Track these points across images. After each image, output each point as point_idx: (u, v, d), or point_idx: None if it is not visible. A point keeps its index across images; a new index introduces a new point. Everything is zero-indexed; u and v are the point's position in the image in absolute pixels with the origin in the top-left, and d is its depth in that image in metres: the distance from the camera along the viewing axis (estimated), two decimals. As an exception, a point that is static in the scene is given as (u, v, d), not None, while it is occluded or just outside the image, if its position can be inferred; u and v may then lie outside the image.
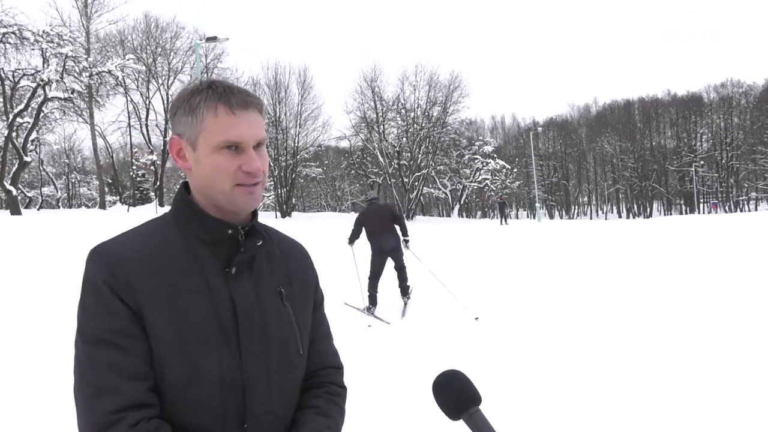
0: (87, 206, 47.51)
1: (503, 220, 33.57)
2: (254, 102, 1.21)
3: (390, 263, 8.21)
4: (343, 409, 1.33)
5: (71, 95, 25.55)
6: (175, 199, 1.26)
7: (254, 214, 1.26)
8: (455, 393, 1.04)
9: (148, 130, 38.40)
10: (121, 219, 18.38)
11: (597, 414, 3.77)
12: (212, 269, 1.17)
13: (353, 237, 8.31)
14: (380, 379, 4.65)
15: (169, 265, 1.15)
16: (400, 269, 8.28)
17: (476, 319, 7.02)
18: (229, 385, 1.14)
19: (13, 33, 24.18)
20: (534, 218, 47.59)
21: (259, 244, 1.24)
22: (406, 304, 8.19)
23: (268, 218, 33.40)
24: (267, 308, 1.21)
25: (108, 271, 1.12)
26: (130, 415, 1.06)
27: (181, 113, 1.20)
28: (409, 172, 42.16)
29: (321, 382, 1.32)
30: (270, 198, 47.97)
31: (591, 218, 77.05)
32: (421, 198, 49.09)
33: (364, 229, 8.20)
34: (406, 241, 8.21)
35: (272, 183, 42.68)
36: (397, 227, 8.18)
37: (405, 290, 8.28)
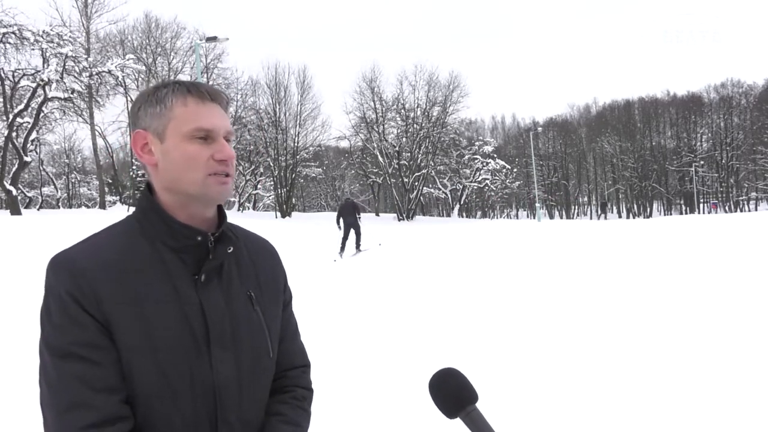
0: (87, 206, 47.49)
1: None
2: (222, 97, 1.19)
3: (353, 234, 15.45)
4: (308, 413, 1.32)
5: (71, 95, 25.53)
6: (139, 202, 1.21)
7: (222, 216, 1.22)
8: (452, 391, 1.03)
9: (148, 130, 38.34)
10: (121, 219, 18.34)
11: (595, 411, 3.77)
12: (181, 276, 1.13)
13: (338, 219, 15.53)
14: (375, 376, 4.65)
15: (135, 273, 1.10)
16: (357, 235, 15.37)
17: (380, 245, 15.93)
18: (201, 393, 1.12)
19: (13, 33, 24.17)
20: (534, 218, 47.60)
21: (229, 251, 1.20)
22: (356, 253, 14.96)
23: (268, 218, 33.38)
24: (238, 314, 1.18)
25: (71, 281, 1.07)
26: (106, 430, 1.03)
27: (147, 106, 1.17)
28: (409, 172, 42.16)
29: (287, 385, 1.30)
30: (270, 198, 47.97)
31: (591, 218, 77.02)
32: (421, 198, 49.06)
33: (341, 213, 15.50)
34: (360, 217, 15.61)
35: (272, 183, 42.70)
36: (358, 214, 15.56)
37: (358, 246, 15.32)
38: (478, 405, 1.03)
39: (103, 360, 1.06)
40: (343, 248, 14.91)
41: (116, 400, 1.06)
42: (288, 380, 1.30)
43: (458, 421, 1.02)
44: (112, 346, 1.07)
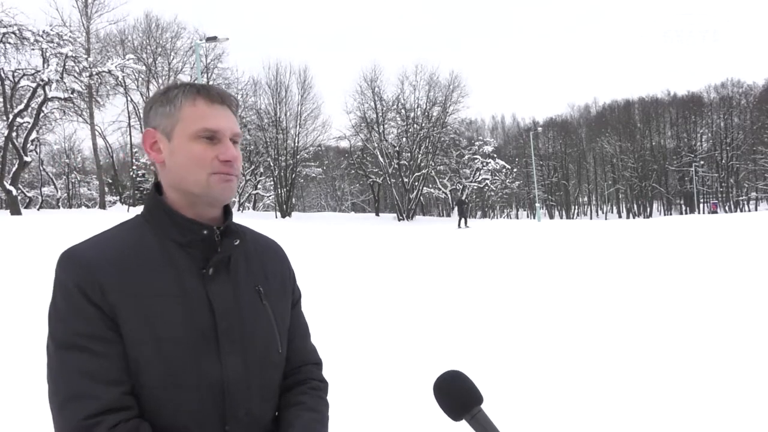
0: (87, 206, 47.44)
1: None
2: (231, 99, 1.23)
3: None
4: (327, 402, 1.34)
5: (71, 95, 25.52)
6: (146, 200, 1.24)
7: (228, 212, 1.25)
8: (457, 394, 1.03)
9: (148, 130, 38.35)
10: (121, 219, 18.30)
11: (598, 412, 3.77)
12: (188, 271, 1.15)
13: (454, 206, 29.38)
14: (378, 378, 4.65)
15: (142, 267, 1.12)
16: (465, 220, 29.83)
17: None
18: (208, 387, 1.12)
19: (13, 33, 24.16)
20: (534, 218, 47.60)
21: (236, 243, 1.22)
22: (466, 228, 27.25)
23: (268, 218, 33.37)
24: (245, 308, 1.19)
25: (79, 274, 1.09)
26: (107, 419, 1.03)
27: (158, 105, 1.20)
28: (409, 172, 42.13)
29: (303, 379, 1.32)
30: (270, 198, 47.97)
31: (591, 218, 77.04)
32: (421, 198, 49.05)
33: (458, 206, 31.56)
34: (467, 209, 32.04)
35: (272, 183, 42.69)
36: (465, 207, 31.15)
37: (466, 225, 29.02)
38: (484, 406, 1.02)
39: (106, 352, 1.07)
40: (459, 225, 28.39)
41: (118, 392, 1.06)
42: (302, 374, 1.32)
43: (464, 423, 1.01)
44: (117, 338, 1.08)
